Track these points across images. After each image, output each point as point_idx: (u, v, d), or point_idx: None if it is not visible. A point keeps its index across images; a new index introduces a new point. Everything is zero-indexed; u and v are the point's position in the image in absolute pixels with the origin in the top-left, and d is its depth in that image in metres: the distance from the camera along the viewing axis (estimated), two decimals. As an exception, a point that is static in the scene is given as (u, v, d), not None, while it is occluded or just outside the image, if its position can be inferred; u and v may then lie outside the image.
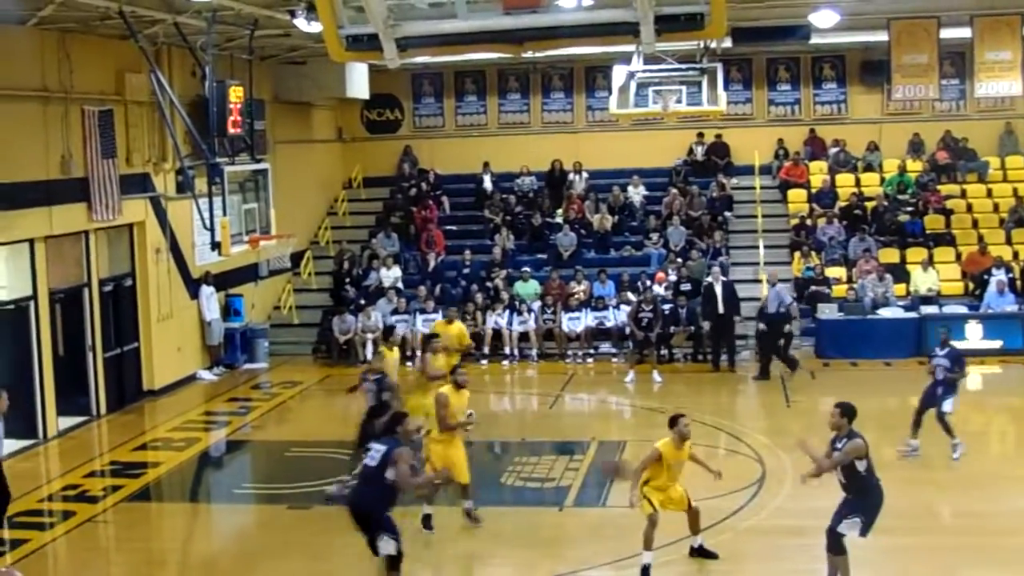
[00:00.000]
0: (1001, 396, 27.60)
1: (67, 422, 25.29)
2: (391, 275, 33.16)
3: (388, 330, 24.10)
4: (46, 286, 24.54)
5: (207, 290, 29.99)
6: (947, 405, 21.04)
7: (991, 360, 28.94)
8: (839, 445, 14.84)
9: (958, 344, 29.03)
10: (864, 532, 14.90)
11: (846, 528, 14.78)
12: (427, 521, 18.12)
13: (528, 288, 32.58)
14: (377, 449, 14.67)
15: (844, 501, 14.97)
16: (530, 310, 31.63)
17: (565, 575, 16.38)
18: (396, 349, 22.16)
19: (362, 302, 31.98)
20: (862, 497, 14.86)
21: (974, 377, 28.00)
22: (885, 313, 30.37)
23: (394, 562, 14.74)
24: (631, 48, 26.41)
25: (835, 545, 14.97)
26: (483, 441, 24.90)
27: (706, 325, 29.88)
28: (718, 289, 29.43)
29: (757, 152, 37.45)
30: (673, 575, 16.42)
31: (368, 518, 14.63)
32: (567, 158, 37.64)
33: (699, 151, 37.84)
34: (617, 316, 31.08)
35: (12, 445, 23.35)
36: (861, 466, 14.63)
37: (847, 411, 15.01)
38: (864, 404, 24.44)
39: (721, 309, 29.29)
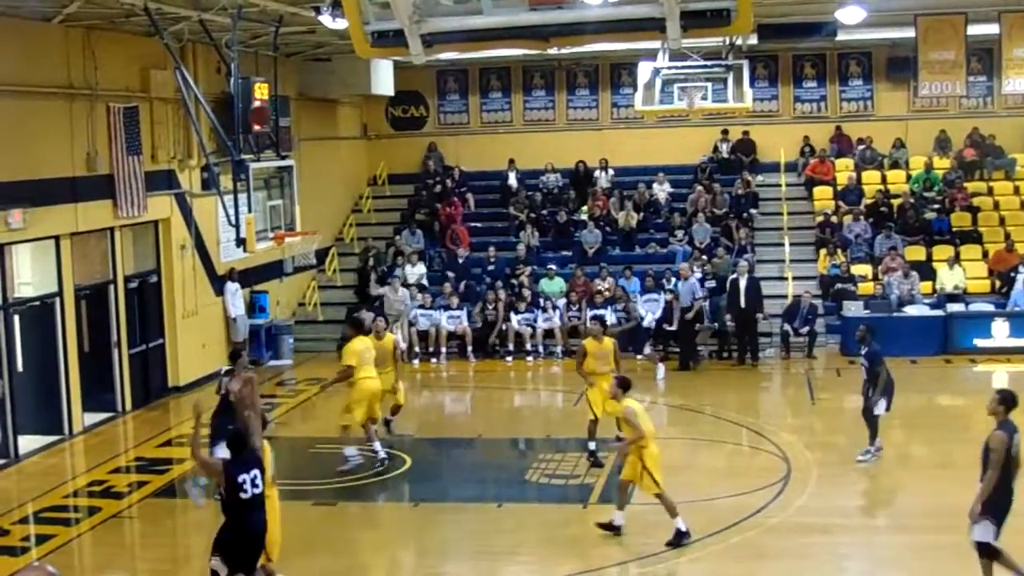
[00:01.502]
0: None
1: (92, 418, 25.34)
2: (416, 272, 33.15)
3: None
4: (72, 283, 24.59)
5: (232, 287, 30.02)
6: (879, 407, 20.77)
7: (1017, 359, 28.75)
8: None
9: (983, 343, 29.14)
10: (996, 536, 14.14)
11: (979, 534, 14.20)
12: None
13: (553, 285, 32.57)
14: (255, 475, 14.10)
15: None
16: (555, 307, 31.59)
17: (590, 571, 16.35)
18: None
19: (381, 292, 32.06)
20: (992, 496, 14.13)
21: (999, 375, 27.93)
22: (911, 311, 30.26)
23: None
24: (657, 45, 26.44)
25: (983, 553, 14.34)
26: (508, 438, 24.97)
27: (729, 320, 29.89)
28: (742, 285, 29.43)
29: (783, 149, 37.36)
30: (699, 571, 16.41)
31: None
32: (592, 155, 37.60)
33: (724, 148, 37.76)
34: (648, 308, 31.07)
35: (38, 441, 23.56)
36: (993, 455, 14.14)
37: (1005, 399, 14.46)
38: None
39: (743, 304, 29.29)
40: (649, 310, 31.05)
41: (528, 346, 31.29)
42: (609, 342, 21.43)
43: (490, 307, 31.34)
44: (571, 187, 37.14)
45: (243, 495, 14.01)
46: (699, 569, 16.40)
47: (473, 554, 17.67)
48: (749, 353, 29.55)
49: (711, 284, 31.26)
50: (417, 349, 31.31)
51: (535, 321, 31.36)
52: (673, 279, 31.21)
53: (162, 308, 27.98)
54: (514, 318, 31.34)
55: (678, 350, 29.97)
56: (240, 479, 14.00)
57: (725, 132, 37.52)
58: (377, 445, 21.17)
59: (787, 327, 29.92)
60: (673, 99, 28.00)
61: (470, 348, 31.28)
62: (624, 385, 17.70)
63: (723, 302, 30.17)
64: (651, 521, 18.08)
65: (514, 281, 32.73)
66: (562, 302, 31.78)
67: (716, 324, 30.42)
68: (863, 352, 21.20)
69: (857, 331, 22.24)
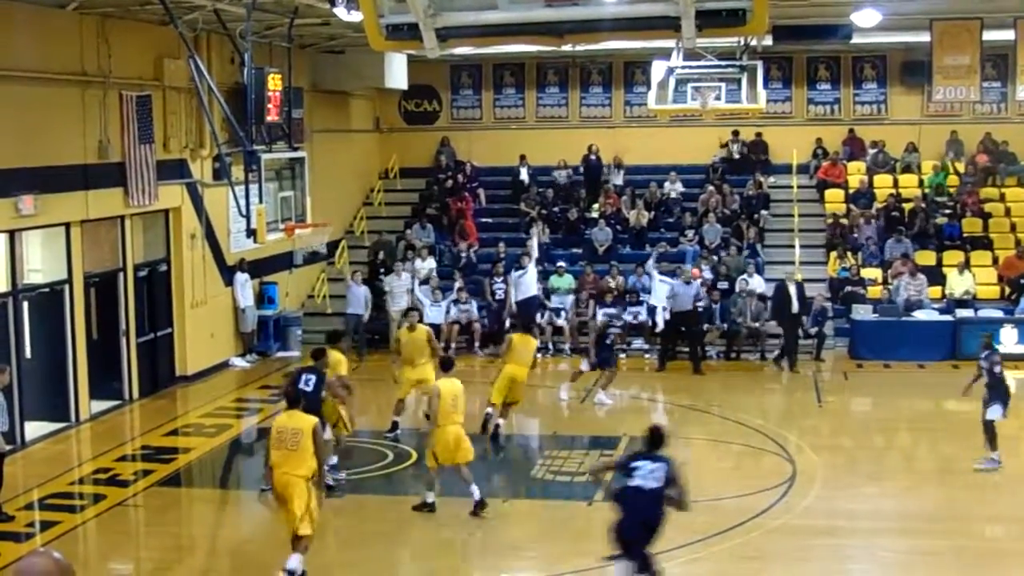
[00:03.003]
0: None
1: (99, 406, 25.37)
2: (426, 266, 33.14)
3: None
4: (81, 270, 24.62)
5: (241, 277, 30.04)
6: (994, 412, 20.62)
7: (1026, 365, 28.73)
8: None
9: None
10: None
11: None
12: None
13: (562, 282, 32.53)
14: None
15: None
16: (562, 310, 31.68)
17: (593, 569, 16.33)
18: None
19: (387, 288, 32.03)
20: None
21: (1008, 382, 27.85)
22: (920, 315, 30.21)
23: None
24: (671, 44, 26.38)
25: None
26: (515, 434, 24.95)
27: (776, 325, 29.82)
28: (792, 291, 29.25)
29: (795, 151, 37.31)
30: (702, 571, 16.40)
31: None
32: (604, 153, 37.58)
33: (735, 148, 37.70)
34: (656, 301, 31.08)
35: (44, 428, 23.59)
36: None
37: None
38: (896, 406, 24.56)
39: (795, 309, 29.13)
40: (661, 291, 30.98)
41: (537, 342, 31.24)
42: (423, 331, 23.06)
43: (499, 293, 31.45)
44: (582, 174, 37.20)
45: None
46: (701, 569, 16.38)
47: (477, 550, 17.68)
48: (786, 359, 29.31)
49: (721, 284, 31.25)
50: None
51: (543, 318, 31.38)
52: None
53: (171, 297, 28.01)
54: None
55: (687, 350, 29.96)
56: None
57: (735, 133, 37.42)
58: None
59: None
60: (686, 98, 27.92)
61: (477, 343, 31.27)
62: (444, 365, 19.34)
63: (734, 304, 30.10)
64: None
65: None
66: (571, 299, 31.76)
67: (725, 325, 30.37)
68: (983, 356, 20.88)
69: (982, 337, 21.95)
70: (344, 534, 18.28)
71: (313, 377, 19.14)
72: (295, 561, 15.38)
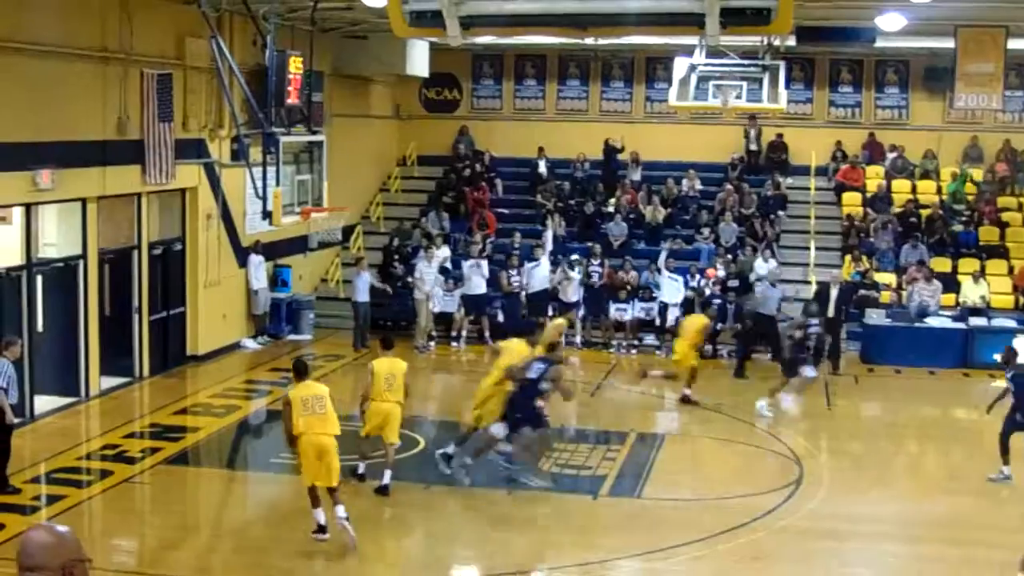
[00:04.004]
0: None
1: (110, 382, 25.41)
2: (440, 255, 33.08)
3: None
4: (96, 246, 24.65)
5: (256, 259, 30.05)
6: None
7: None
8: None
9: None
10: None
11: None
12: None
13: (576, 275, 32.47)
14: None
15: None
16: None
17: (595, 563, 16.34)
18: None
19: (409, 279, 31.97)
20: None
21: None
22: (932, 322, 30.11)
23: None
24: (694, 40, 26.30)
25: None
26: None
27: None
28: (833, 293, 29.18)
29: (814, 153, 37.22)
30: (705, 570, 16.39)
31: None
32: (622, 144, 37.49)
33: (752, 134, 37.46)
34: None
35: (54, 402, 23.62)
36: None
37: None
38: (905, 412, 24.53)
39: (831, 312, 28.94)
40: (670, 289, 30.95)
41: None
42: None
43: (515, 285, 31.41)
44: (602, 165, 37.26)
45: None
46: (705, 567, 16.38)
47: (481, 540, 17.69)
48: (830, 362, 29.19)
49: (734, 283, 31.20)
50: (434, 333, 31.29)
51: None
52: (697, 276, 31.24)
53: (185, 276, 28.03)
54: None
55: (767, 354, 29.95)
56: None
57: (752, 117, 35.99)
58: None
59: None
60: (707, 96, 27.81)
61: (487, 332, 31.21)
62: (384, 344, 19.56)
63: (748, 304, 30.07)
64: (658, 517, 18.14)
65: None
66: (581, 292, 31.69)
67: (739, 325, 30.32)
68: (1009, 376, 20.54)
69: (1004, 352, 21.66)
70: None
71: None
72: (343, 509, 16.45)
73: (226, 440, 23.24)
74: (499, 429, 19.19)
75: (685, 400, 25.45)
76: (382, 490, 18.81)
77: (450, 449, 20.07)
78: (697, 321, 26.06)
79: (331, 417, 16.50)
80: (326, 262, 34.67)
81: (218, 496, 20.50)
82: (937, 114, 37.13)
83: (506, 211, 36.60)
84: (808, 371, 25.01)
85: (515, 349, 20.46)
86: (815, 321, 25.93)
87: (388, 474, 18.83)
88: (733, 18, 14.08)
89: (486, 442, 19.49)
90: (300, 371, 17.20)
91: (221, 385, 26.39)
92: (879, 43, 30.76)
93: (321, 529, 16.47)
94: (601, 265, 31.80)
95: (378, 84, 37.83)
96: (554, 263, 31.49)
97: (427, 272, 31.07)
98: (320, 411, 16.40)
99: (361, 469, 19.25)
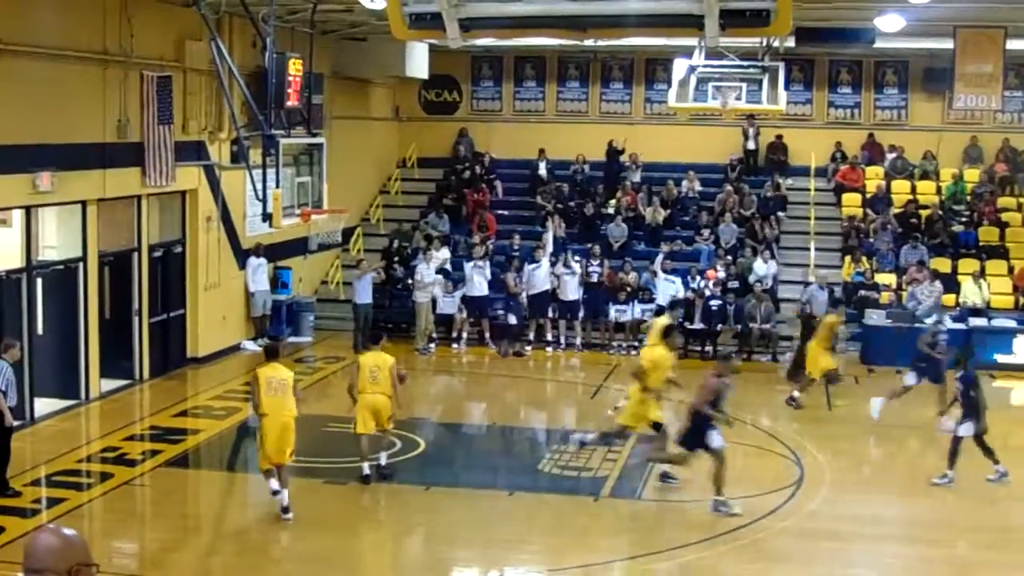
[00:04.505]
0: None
1: (110, 384, 25.41)
2: (440, 256, 33.07)
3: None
4: (96, 249, 24.65)
5: (255, 261, 30.03)
6: (966, 429, 20.49)
7: (1038, 376, 28.70)
8: None
9: (1004, 358, 28.99)
10: None
11: None
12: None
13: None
14: None
15: None
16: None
17: (596, 565, 16.34)
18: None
19: (410, 282, 31.94)
20: None
21: (1018, 392, 27.86)
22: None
23: None
24: (693, 42, 26.31)
25: None
26: (523, 427, 24.99)
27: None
28: (823, 295, 29.31)
29: (814, 154, 37.21)
30: (706, 571, 16.39)
31: None
32: (623, 146, 37.49)
33: (751, 132, 37.47)
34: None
35: (54, 404, 23.61)
36: None
37: None
38: (906, 412, 24.51)
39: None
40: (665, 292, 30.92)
41: (549, 336, 31.28)
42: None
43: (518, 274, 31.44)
44: (603, 165, 37.23)
45: None
46: (706, 568, 16.38)
47: (482, 541, 17.68)
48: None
49: (734, 284, 31.22)
50: (434, 334, 31.27)
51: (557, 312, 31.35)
52: (698, 277, 31.24)
53: (185, 279, 28.04)
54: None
55: (698, 348, 30.02)
56: None
57: (750, 117, 35.60)
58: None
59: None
60: (707, 97, 27.82)
61: (487, 334, 31.21)
62: (373, 339, 20.80)
63: (749, 303, 30.08)
64: (658, 518, 18.15)
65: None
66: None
67: (739, 326, 30.32)
68: (958, 376, 20.61)
69: (955, 353, 21.66)
70: (347, 523, 18.29)
71: None
72: (286, 493, 17.72)
73: (226, 442, 23.23)
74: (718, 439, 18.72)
75: (792, 400, 25.46)
76: (384, 470, 19.55)
77: (588, 437, 20.93)
78: (830, 320, 25.92)
79: (290, 399, 17.84)
80: (326, 264, 34.67)
81: (218, 498, 20.50)
82: (936, 115, 37.15)
83: (506, 213, 36.58)
84: (909, 379, 24.94)
85: (659, 360, 20.40)
86: (944, 328, 25.89)
87: (384, 455, 19.72)
88: (732, 20, 14.07)
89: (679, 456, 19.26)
90: (269, 352, 18.95)
91: (221, 387, 26.39)
92: (878, 44, 30.76)
93: (276, 492, 17.73)
94: (601, 265, 31.78)
95: (378, 86, 37.83)
96: (554, 264, 31.46)
97: (426, 274, 31.05)
98: (281, 393, 17.77)
99: (366, 470, 19.37)
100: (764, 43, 27.89)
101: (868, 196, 35.83)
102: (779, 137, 37.57)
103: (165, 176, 25.82)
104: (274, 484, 17.74)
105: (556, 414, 26.47)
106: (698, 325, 30.33)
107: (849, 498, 19.54)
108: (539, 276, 30.99)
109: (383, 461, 19.74)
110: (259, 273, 30.25)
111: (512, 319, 31.11)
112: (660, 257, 31.51)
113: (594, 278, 31.60)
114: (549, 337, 31.24)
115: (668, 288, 30.67)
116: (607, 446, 20.96)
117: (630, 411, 19.89)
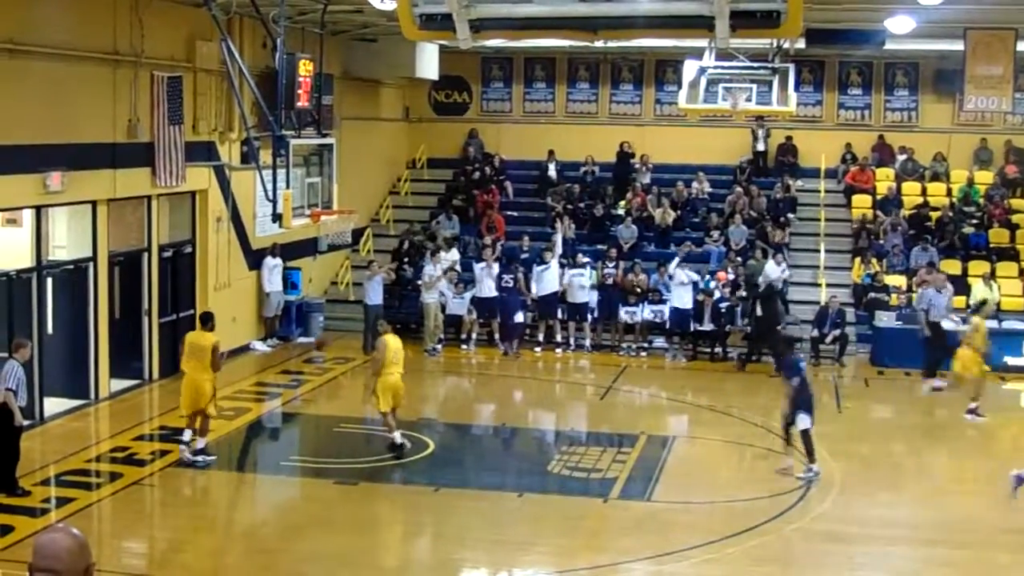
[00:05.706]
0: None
1: (119, 384, 25.43)
2: (449, 257, 33.06)
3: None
4: (106, 249, 24.68)
5: (271, 262, 30.06)
6: (805, 422, 20.65)
7: (1048, 379, 28.65)
8: None
9: (1014, 361, 28.93)
10: None
11: None
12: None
13: (584, 278, 32.42)
14: None
15: None
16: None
17: (605, 566, 16.34)
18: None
19: (418, 282, 31.94)
20: None
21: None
22: (943, 325, 30.01)
23: None
24: (703, 43, 26.29)
25: None
26: (532, 428, 24.98)
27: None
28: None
29: (824, 155, 37.17)
30: (714, 572, 16.37)
31: None
32: (635, 150, 37.47)
33: (760, 134, 37.43)
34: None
35: (63, 404, 23.63)
36: None
37: None
38: (915, 414, 24.50)
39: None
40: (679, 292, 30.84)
41: (559, 337, 31.26)
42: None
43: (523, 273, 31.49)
44: (614, 166, 37.25)
45: None
46: (714, 570, 16.35)
47: (490, 542, 17.66)
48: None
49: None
50: (442, 335, 31.26)
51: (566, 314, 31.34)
52: (708, 278, 31.21)
53: (195, 279, 28.05)
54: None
55: (708, 350, 30.04)
56: None
57: (759, 119, 35.52)
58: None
59: (815, 332, 29.80)
60: (717, 99, 27.78)
61: (497, 335, 31.20)
62: (200, 319, 22.04)
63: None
64: (668, 519, 18.12)
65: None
66: (594, 295, 31.63)
67: (748, 327, 30.28)
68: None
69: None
70: (355, 522, 18.29)
71: None
72: (195, 440, 20.55)
73: (236, 443, 23.23)
74: (806, 420, 20.24)
75: (972, 412, 24.83)
76: (397, 448, 20.92)
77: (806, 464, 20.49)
78: (977, 322, 25.53)
79: (205, 364, 20.39)
80: (336, 265, 34.68)
81: (228, 499, 20.51)
82: (947, 116, 37.10)
83: (515, 214, 36.58)
84: (936, 382, 24.92)
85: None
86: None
87: (399, 434, 21.11)
88: (743, 21, 14.04)
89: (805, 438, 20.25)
90: (203, 320, 21.39)
91: (231, 388, 26.34)
92: (888, 46, 30.70)
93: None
94: (616, 267, 31.76)
95: (388, 87, 37.83)
96: (563, 266, 31.44)
97: (434, 275, 31.05)
98: (202, 359, 20.34)
99: (399, 439, 20.99)
100: (774, 44, 27.85)
101: (878, 198, 35.79)
102: (789, 138, 37.55)
103: (175, 176, 25.85)
104: (186, 435, 20.54)
105: (565, 415, 26.46)
106: (708, 327, 30.31)
107: (859, 500, 19.50)
108: (548, 277, 30.96)
109: (398, 440, 20.93)
110: (275, 274, 30.29)
111: (519, 317, 31.09)
112: (676, 260, 31.30)
113: (609, 280, 31.57)
114: (559, 338, 31.21)
115: (683, 292, 30.45)
116: None
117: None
